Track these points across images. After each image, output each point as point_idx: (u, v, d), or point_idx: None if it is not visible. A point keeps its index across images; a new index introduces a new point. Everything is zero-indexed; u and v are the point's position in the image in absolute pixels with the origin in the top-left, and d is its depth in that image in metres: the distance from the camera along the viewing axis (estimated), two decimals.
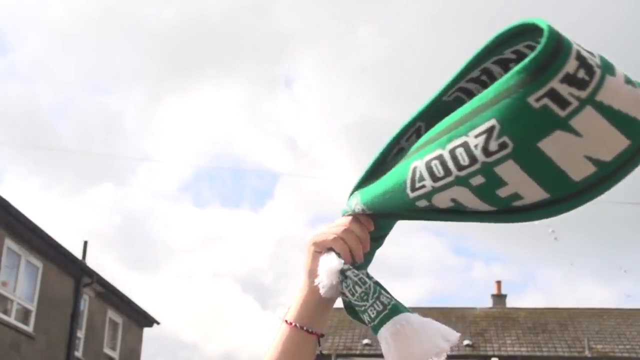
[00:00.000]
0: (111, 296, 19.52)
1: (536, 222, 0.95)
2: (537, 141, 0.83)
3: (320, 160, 38.95)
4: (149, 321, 22.25)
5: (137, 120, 39.91)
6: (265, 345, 1.17)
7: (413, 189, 0.98)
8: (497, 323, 22.98)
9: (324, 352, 20.53)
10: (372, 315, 1.06)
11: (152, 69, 39.24)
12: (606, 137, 0.82)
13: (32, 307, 15.97)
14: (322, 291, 1.10)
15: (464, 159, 0.87)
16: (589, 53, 0.81)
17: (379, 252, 1.24)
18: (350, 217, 1.14)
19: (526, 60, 0.80)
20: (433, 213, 0.99)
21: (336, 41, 36.05)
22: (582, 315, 23.40)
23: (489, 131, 0.84)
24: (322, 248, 1.12)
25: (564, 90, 0.79)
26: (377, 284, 1.09)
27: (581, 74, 0.79)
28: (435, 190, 0.94)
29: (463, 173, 0.89)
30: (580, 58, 0.79)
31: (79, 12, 35.11)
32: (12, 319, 15.14)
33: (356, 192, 1.13)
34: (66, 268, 17.14)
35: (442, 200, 0.95)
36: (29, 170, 37.35)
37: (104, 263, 41.03)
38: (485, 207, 0.92)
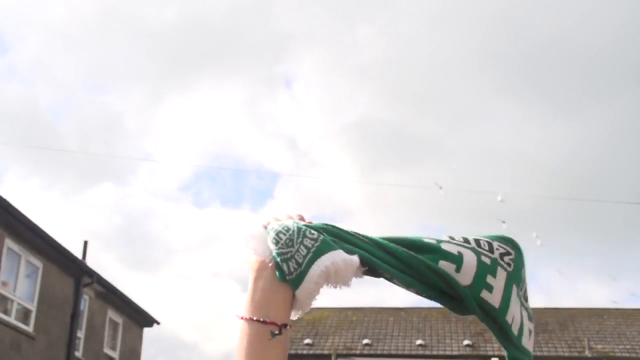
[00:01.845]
0: (111, 296, 19.53)
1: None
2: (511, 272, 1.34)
3: (320, 160, 38.97)
4: (149, 321, 22.26)
5: (137, 120, 39.95)
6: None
7: (429, 238, 1.28)
8: None
9: (324, 352, 20.50)
10: (299, 261, 1.13)
11: (152, 69, 39.27)
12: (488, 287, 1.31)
13: (32, 307, 15.98)
14: (250, 245, 1.18)
15: (484, 246, 1.31)
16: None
17: None
18: None
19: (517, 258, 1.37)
20: (429, 249, 1.26)
21: (336, 41, 36.09)
22: (582, 315, 23.40)
23: (508, 254, 1.34)
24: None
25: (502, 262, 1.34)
26: (303, 227, 1.16)
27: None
28: (448, 242, 1.28)
29: (479, 249, 1.30)
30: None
31: (79, 12, 35.15)
32: (12, 319, 15.15)
33: None
34: (66, 268, 17.15)
35: (450, 247, 1.27)
36: (29, 170, 37.39)
37: (104, 263, 41.05)
38: (466, 279, 1.27)
